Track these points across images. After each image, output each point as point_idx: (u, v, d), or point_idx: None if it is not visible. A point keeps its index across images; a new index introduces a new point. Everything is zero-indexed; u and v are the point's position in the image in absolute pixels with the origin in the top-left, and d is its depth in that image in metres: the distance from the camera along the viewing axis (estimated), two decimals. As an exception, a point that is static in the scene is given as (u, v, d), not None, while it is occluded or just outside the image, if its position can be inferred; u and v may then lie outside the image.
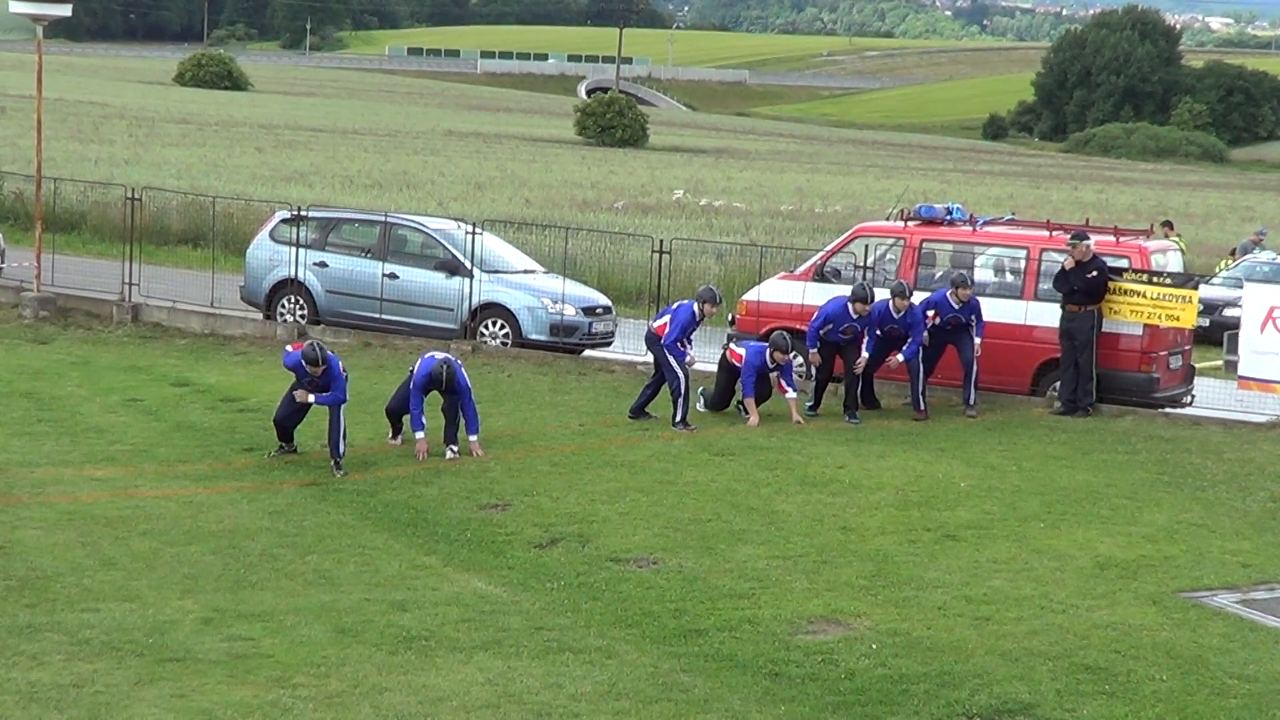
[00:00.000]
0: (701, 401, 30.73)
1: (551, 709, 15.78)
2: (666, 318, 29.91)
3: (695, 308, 29.86)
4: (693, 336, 30.22)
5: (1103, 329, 30.95)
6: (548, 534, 21.93)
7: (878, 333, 30.67)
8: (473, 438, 26.07)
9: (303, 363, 25.27)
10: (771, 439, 27.84)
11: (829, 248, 34.58)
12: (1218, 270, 49.90)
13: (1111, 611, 19.56)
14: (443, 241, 36.50)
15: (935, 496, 24.55)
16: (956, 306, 30.70)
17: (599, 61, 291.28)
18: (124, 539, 20.99)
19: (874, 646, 17.97)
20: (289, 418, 26.06)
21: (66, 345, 34.22)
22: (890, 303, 30.66)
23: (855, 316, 30.18)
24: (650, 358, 30.82)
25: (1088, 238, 31.39)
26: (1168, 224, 47.95)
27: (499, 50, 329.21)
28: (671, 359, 29.30)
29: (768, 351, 29.45)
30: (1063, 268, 31.01)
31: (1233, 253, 55.53)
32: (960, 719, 16.03)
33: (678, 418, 28.94)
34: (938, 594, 19.90)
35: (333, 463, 24.92)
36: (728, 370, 30.41)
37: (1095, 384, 30.83)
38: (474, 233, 36.61)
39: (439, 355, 26.42)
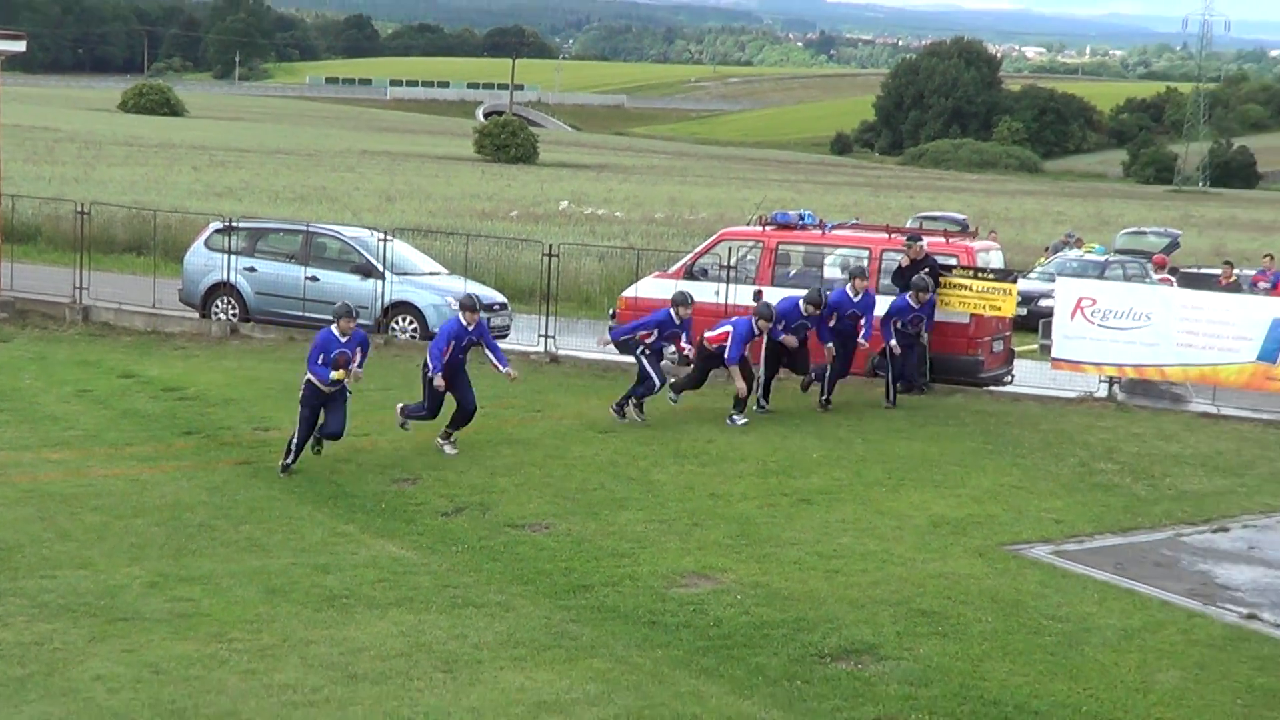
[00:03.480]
0: (672, 396, 28.78)
1: (458, 657, 15.79)
2: (653, 327, 28.37)
3: (671, 312, 28.19)
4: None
5: (935, 318, 31.21)
6: (452, 503, 21.92)
7: (831, 320, 29.78)
8: (506, 368, 26.00)
9: (334, 331, 23.99)
10: (647, 419, 27.84)
11: (697, 250, 34.67)
12: (1037, 264, 50.38)
13: (943, 563, 19.74)
14: (358, 248, 36.42)
15: (791, 466, 24.67)
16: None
17: (494, 88, 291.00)
18: (78, 514, 20.82)
19: (739, 597, 18.05)
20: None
21: (24, 343, 33.85)
22: (850, 285, 30.14)
23: (805, 315, 29.33)
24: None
25: (921, 239, 31.74)
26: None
27: (406, 79, 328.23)
28: (647, 364, 27.97)
29: (754, 320, 28.30)
30: (900, 265, 31.25)
31: (1046, 250, 56.09)
32: (813, 659, 16.12)
33: (619, 403, 27.96)
34: (794, 551, 20.01)
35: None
36: (704, 357, 28.75)
37: (929, 366, 31.08)
38: (385, 240, 36.63)
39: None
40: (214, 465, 23.85)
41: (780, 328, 29.03)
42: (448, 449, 25.20)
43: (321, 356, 23.73)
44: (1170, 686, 15.85)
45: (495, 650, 16.07)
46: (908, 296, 30.11)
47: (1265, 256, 47.19)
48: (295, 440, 23.61)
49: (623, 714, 14.40)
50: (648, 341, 28.12)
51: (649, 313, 33.24)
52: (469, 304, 25.60)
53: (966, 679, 15.73)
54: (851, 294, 29.98)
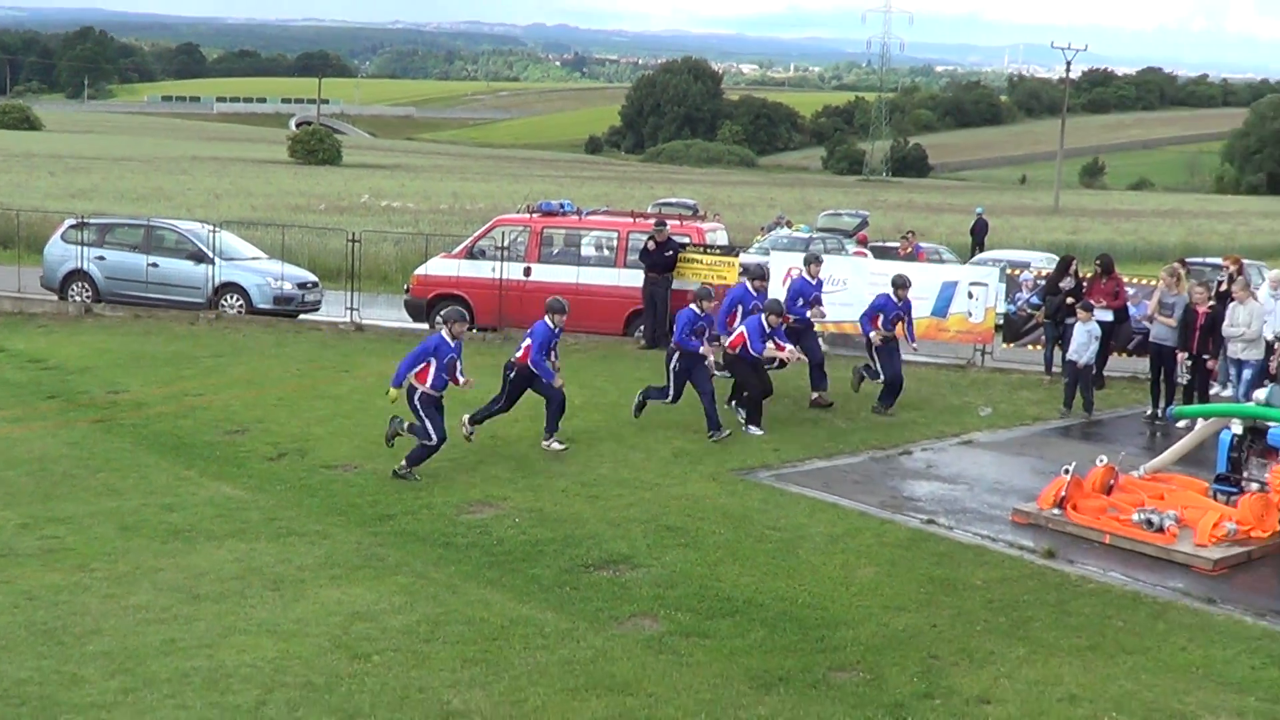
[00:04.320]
0: (740, 415, 24.10)
1: (284, 577, 15.63)
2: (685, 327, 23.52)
3: (694, 307, 23.68)
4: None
5: (673, 287, 31.45)
6: (276, 450, 21.64)
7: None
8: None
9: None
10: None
11: (476, 234, 34.53)
12: (755, 241, 50.86)
13: (684, 487, 19.86)
14: (191, 238, 35.91)
15: (558, 411, 24.68)
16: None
17: (304, 102, 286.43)
18: (-42, 467, 20.35)
19: (517, 520, 18.04)
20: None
21: (-92, 324, 32.97)
22: (806, 271, 27.42)
23: (755, 294, 25.57)
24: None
25: (665, 225, 31.96)
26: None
27: (230, 96, 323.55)
28: (672, 378, 23.45)
29: (764, 316, 23.99)
30: (646, 246, 31.39)
31: (762, 229, 56.60)
32: (580, 569, 16.16)
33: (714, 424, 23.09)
34: (561, 481, 20.03)
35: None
36: (732, 362, 24.31)
37: (668, 324, 31.26)
38: (214, 231, 36.20)
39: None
40: (73, 424, 23.32)
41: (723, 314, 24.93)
42: (555, 446, 21.89)
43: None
44: (868, 579, 16.12)
45: (316, 571, 15.92)
46: (889, 293, 26.06)
47: (909, 232, 48.17)
48: (434, 444, 20.15)
49: (423, 620, 14.36)
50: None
51: (440, 287, 33.30)
52: (558, 307, 22.03)
53: (705, 580, 15.86)
54: (809, 279, 27.25)
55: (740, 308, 25.40)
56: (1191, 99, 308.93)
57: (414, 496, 19.14)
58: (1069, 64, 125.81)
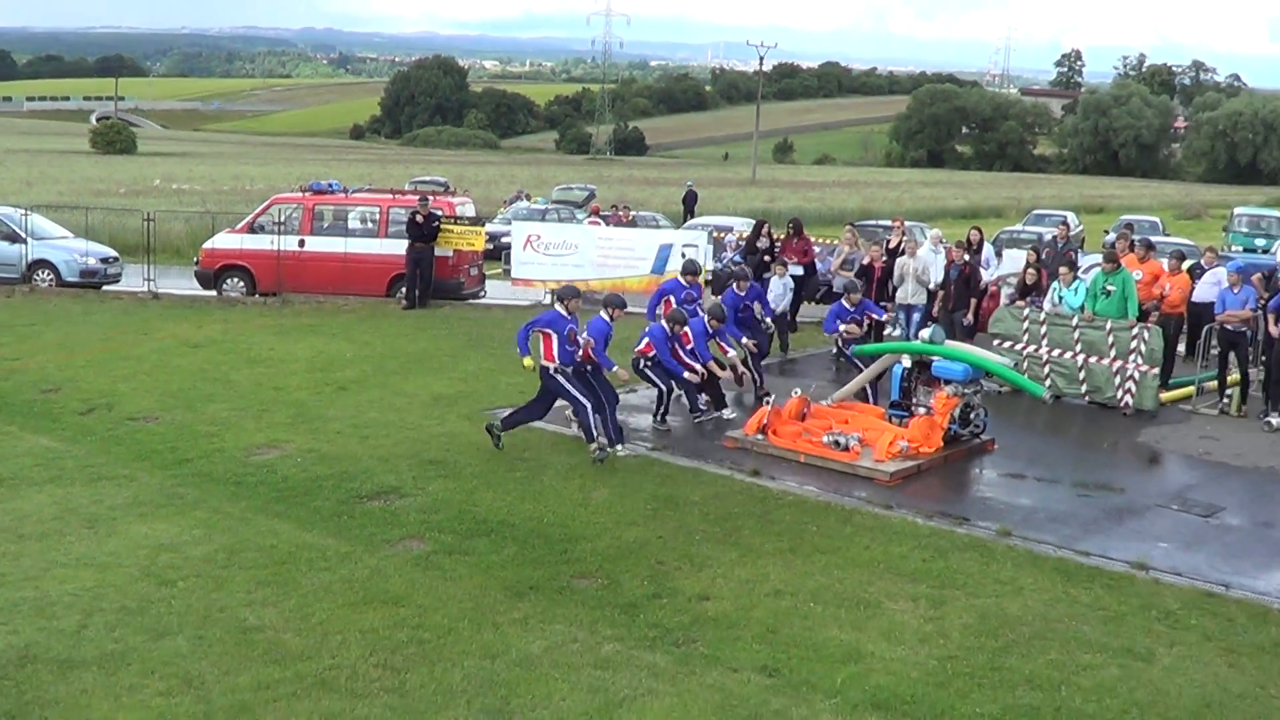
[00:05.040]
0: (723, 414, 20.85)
1: (98, 516, 15.24)
2: (646, 340, 20.20)
3: (666, 327, 20.33)
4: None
5: (435, 253, 31.42)
6: (86, 405, 21.04)
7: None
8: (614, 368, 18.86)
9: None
10: (226, 336, 27.21)
11: (255, 212, 33.97)
12: (499, 213, 50.77)
13: (443, 426, 19.80)
14: (6, 221, 34.86)
15: (332, 363, 24.40)
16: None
17: (104, 99, 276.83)
18: None
19: (299, 460, 17.82)
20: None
21: None
22: (734, 286, 23.01)
23: (686, 285, 22.35)
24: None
25: (428, 200, 31.91)
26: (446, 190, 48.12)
27: (39, 95, 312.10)
28: (651, 373, 20.19)
29: (706, 319, 20.75)
30: (414, 219, 31.23)
31: (505, 202, 56.57)
32: (355, 500, 16.04)
33: (659, 415, 20.31)
34: (336, 424, 19.82)
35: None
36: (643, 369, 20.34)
37: (430, 287, 31.15)
38: (26, 214, 35.15)
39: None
40: (-100, 388, 22.45)
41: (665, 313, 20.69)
42: (607, 451, 18.31)
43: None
44: (602, 500, 16.26)
45: (125, 510, 15.56)
46: (842, 301, 22.91)
47: (625, 206, 48.55)
48: (587, 409, 18.21)
49: (221, 549, 14.15)
50: (649, 355, 20.24)
51: (225, 259, 32.73)
52: (618, 302, 19.04)
53: (464, 505, 15.86)
54: (737, 290, 22.82)
55: (672, 298, 21.90)
56: (864, 88, 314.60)
57: (208, 442, 18.79)
58: (762, 59, 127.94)
